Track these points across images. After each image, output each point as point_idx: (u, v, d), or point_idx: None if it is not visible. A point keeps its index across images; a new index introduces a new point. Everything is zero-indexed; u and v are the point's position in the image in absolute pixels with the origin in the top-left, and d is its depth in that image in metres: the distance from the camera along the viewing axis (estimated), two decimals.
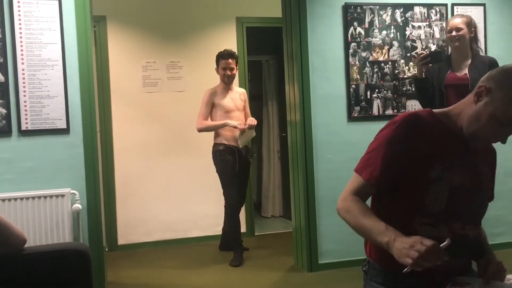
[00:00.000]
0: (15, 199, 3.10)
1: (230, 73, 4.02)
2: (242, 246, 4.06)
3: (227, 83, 4.03)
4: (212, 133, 4.10)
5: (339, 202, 1.49)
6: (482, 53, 3.43)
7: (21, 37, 3.18)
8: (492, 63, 3.28)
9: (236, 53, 4.19)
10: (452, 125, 1.49)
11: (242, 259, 3.98)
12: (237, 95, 4.11)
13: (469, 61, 3.29)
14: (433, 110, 1.54)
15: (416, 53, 3.83)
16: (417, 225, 1.44)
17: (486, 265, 1.47)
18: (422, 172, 1.43)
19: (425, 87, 3.34)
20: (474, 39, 3.34)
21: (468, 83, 3.22)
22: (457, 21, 3.29)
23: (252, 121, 4.02)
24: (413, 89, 3.73)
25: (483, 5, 3.96)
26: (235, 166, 3.99)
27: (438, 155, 1.45)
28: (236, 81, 4.29)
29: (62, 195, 3.18)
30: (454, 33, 3.28)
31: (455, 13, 3.93)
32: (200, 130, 4.02)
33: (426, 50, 3.86)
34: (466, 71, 3.27)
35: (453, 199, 1.44)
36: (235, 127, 3.91)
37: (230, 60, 4.01)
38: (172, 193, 4.76)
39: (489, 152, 1.61)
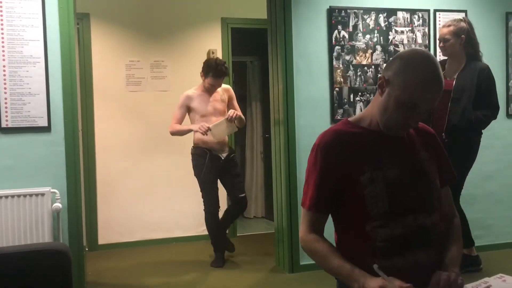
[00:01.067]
0: None
1: (215, 89, 3.93)
2: (224, 247, 4.04)
3: (209, 93, 3.93)
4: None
5: (301, 241, 1.55)
6: (482, 56, 3.40)
7: (2, 34, 3.13)
8: (482, 69, 3.29)
9: (227, 67, 3.96)
10: (369, 125, 1.54)
11: (224, 261, 3.97)
12: (218, 96, 3.95)
13: (462, 67, 3.33)
14: (348, 119, 1.60)
15: None
16: (370, 231, 1.46)
17: (438, 277, 1.38)
18: (354, 181, 1.46)
19: None
20: (468, 44, 3.30)
21: (451, 90, 3.26)
22: (444, 32, 3.32)
23: (233, 113, 3.83)
24: None
25: (465, 11, 4.03)
26: (211, 170, 3.87)
27: (364, 159, 1.48)
28: None
29: (42, 194, 3.14)
30: (441, 44, 3.32)
31: (437, 19, 4.00)
32: (171, 134, 3.92)
33: None
34: (455, 77, 3.31)
35: (393, 195, 1.46)
36: (196, 131, 3.76)
37: (221, 79, 3.87)
38: (153, 192, 4.74)
39: (425, 135, 1.61)
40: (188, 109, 3.94)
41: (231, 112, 3.85)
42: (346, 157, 1.48)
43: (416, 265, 1.43)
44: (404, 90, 1.41)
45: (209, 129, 3.73)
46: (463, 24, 3.31)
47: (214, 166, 3.89)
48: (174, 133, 3.93)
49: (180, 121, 3.93)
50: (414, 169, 1.51)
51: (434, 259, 1.48)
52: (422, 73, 1.40)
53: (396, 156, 1.50)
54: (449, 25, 3.32)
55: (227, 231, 4.12)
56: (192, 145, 3.98)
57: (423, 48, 1.35)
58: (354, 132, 1.53)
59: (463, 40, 3.29)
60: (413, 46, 3.94)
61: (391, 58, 1.54)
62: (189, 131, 3.89)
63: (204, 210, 3.98)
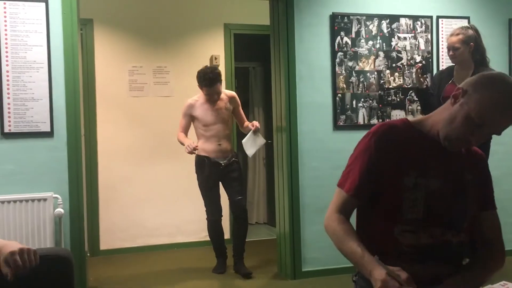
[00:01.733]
0: None
1: (216, 97, 3.84)
2: (225, 254, 4.01)
3: (212, 102, 3.85)
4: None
5: (325, 220, 1.53)
6: (489, 62, 3.40)
7: (6, 39, 3.14)
8: None
9: (217, 69, 3.88)
10: (427, 131, 1.52)
11: (225, 267, 3.95)
12: (222, 104, 3.87)
13: (470, 73, 3.33)
14: (408, 119, 1.59)
15: (402, 64, 3.89)
16: (397, 234, 1.46)
17: None
18: (397, 181, 1.46)
19: (426, 97, 3.44)
20: (476, 51, 3.31)
21: None
22: (453, 40, 3.32)
23: (253, 125, 3.80)
24: (416, 99, 3.83)
25: (468, 18, 4.03)
26: (210, 177, 3.83)
27: (413, 162, 1.47)
28: (222, 87, 4.11)
29: (45, 199, 3.14)
30: (451, 52, 3.33)
31: (440, 25, 4.00)
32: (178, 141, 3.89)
33: (411, 61, 3.92)
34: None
35: (430, 205, 1.46)
36: (186, 149, 3.66)
37: (215, 87, 3.77)
38: (155, 198, 4.73)
39: (476, 158, 1.59)
40: (192, 118, 3.91)
41: (254, 123, 3.83)
42: (397, 155, 1.48)
43: (435, 277, 1.43)
44: (478, 105, 1.39)
45: (194, 149, 3.65)
46: (471, 31, 3.32)
47: (213, 173, 3.84)
48: (179, 142, 3.90)
49: (185, 130, 3.90)
50: (457, 186, 1.51)
51: (451, 275, 1.47)
52: (501, 95, 1.38)
53: (443, 168, 1.50)
54: (457, 34, 3.32)
55: (243, 256, 3.94)
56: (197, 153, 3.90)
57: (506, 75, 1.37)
58: (411, 133, 1.52)
59: (472, 48, 3.30)
60: (415, 52, 3.95)
61: (476, 75, 1.49)
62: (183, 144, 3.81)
63: (206, 218, 3.95)
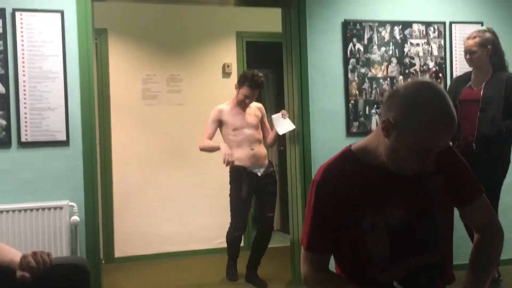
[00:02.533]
0: (13, 211, 3.09)
1: (249, 101, 3.83)
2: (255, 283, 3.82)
3: (242, 107, 3.84)
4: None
5: (306, 281, 1.47)
6: (508, 65, 3.37)
7: (23, 49, 3.20)
8: (510, 78, 3.26)
9: (264, 81, 3.89)
10: (374, 161, 1.38)
11: (236, 272, 3.91)
12: (252, 111, 3.87)
13: (489, 77, 3.31)
14: (351, 149, 1.44)
15: (415, 70, 3.88)
16: (374, 275, 1.40)
17: None
18: (354, 224, 1.37)
19: None
20: (494, 54, 3.27)
21: (479, 99, 3.25)
22: (470, 43, 3.29)
23: (285, 112, 3.77)
24: None
25: (481, 23, 4.00)
26: (245, 189, 3.72)
27: (366, 202, 1.36)
28: None
29: (60, 207, 3.17)
30: (468, 56, 3.30)
31: (453, 31, 3.98)
32: (200, 149, 3.84)
33: (424, 67, 3.90)
34: (482, 87, 3.29)
35: (395, 239, 1.37)
36: (223, 157, 3.60)
37: (256, 92, 3.80)
38: (169, 206, 4.75)
39: (439, 165, 1.38)
40: (220, 124, 3.84)
41: (283, 111, 3.78)
42: (346, 198, 1.36)
43: None
44: (416, 136, 1.26)
45: (232, 162, 3.61)
46: (488, 34, 3.28)
47: (250, 184, 3.74)
48: (203, 149, 3.81)
49: (211, 137, 3.82)
50: (421, 209, 1.39)
51: None
52: (433, 112, 1.24)
53: (402, 195, 1.38)
54: (474, 37, 3.29)
55: (257, 269, 3.90)
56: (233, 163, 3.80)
57: (424, 78, 1.21)
58: (356, 169, 1.39)
59: (490, 51, 3.26)
60: (428, 58, 3.93)
61: (388, 94, 1.36)
62: (218, 149, 3.73)
63: (229, 228, 3.85)
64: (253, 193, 3.82)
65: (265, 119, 4.02)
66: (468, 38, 3.33)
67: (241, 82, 3.81)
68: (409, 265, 1.38)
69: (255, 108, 3.94)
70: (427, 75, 3.83)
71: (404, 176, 1.36)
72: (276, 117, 3.80)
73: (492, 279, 3.29)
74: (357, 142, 1.47)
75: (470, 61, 3.32)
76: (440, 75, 3.43)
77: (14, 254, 1.64)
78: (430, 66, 3.92)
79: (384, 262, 1.39)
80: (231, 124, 3.81)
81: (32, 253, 1.57)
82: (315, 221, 1.41)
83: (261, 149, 3.86)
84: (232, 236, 3.83)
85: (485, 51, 3.25)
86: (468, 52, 3.29)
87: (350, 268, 1.47)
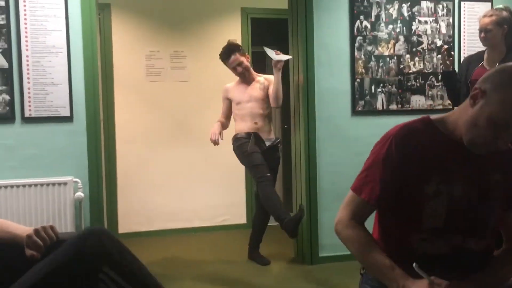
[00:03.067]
0: (18, 186, 3.10)
1: (241, 69, 3.75)
2: (257, 260, 3.79)
3: (243, 78, 3.79)
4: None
5: (338, 225, 1.46)
6: None
7: (25, 24, 3.16)
8: None
9: (232, 42, 3.85)
10: (450, 133, 1.42)
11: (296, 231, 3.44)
12: (257, 85, 3.79)
13: (502, 58, 3.24)
14: (430, 117, 1.47)
15: (422, 48, 3.83)
16: (414, 242, 1.40)
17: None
18: (418, 188, 1.38)
19: (452, 80, 3.36)
20: (510, 34, 3.19)
21: None
22: (486, 22, 3.20)
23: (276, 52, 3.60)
24: (441, 82, 3.73)
25: (491, 1, 3.93)
26: (254, 146, 3.63)
27: (435, 168, 1.38)
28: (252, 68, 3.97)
29: (65, 183, 3.18)
30: (483, 34, 3.23)
31: (462, 9, 3.91)
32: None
33: (432, 45, 3.85)
34: (496, 66, 3.23)
35: (452, 213, 1.38)
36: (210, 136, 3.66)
37: (232, 58, 3.72)
38: (173, 182, 4.77)
39: (506, 156, 1.45)
40: (230, 102, 3.86)
41: (276, 51, 3.62)
42: (418, 161, 1.38)
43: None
44: (500, 107, 1.29)
45: (216, 143, 3.64)
46: (505, 13, 3.18)
47: (258, 145, 3.68)
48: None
49: (225, 115, 3.87)
50: (481, 191, 1.41)
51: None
52: None
53: (468, 173, 1.41)
54: (491, 15, 3.20)
55: (259, 246, 3.88)
56: (233, 136, 3.79)
57: None
58: (432, 136, 1.41)
59: (506, 30, 3.18)
60: (436, 36, 3.87)
61: (492, 71, 1.39)
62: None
63: (257, 180, 3.57)
64: (260, 151, 3.66)
65: (271, 87, 3.78)
66: (484, 16, 3.24)
67: (223, 62, 3.80)
68: (455, 244, 1.38)
69: (264, 80, 3.83)
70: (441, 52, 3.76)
71: (474, 155, 1.39)
72: (269, 50, 3.64)
73: None
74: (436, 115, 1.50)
75: (484, 40, 3.24)
76: (452, 53, 3.35)
77: (17, 229, 1.64)
78: (438, 45, 3.87)
79: (433, 233, 1.39)
80: (234, 99, 3.82)
81: (35, 232, 1.57)
82: (378, 169, 1.40)
83: (266, 125, 3.79)
84: (265, 177, 3.52)
85: (501, 30, 3.17)
86: (483, 30, 3.21)
87: (393, 230, 1.46)
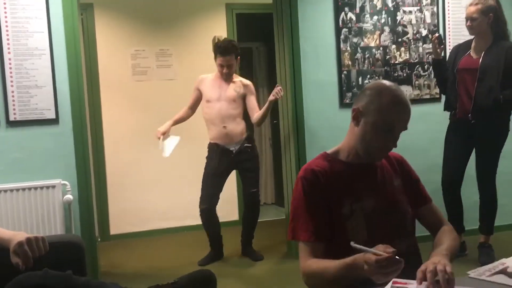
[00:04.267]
0: (5, 190, 3.06)
1: (227, 71, 3.65)
2: (221, 245, 3.84)
3: (224, 79, 3.71)
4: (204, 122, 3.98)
5: (303, 276, 1.54)
6: (510, 35, 3.32)
7: (7, 26, 3.11)
8: (510, 48, 3.20)
9: (235, 43, 3.79)
10: (347, 157, 1.62)
11: (211, 260, 3.74)
12: (234, 86, 3.71)
13: (489, 46, 3.25)
14: (327, 152, 1.66)
15: (407, 38, 3.83)
16: None
17: (425, 267, 1.35)
18: (336, 214, 1.54)
19: (442, 68, 3.37)
20: (496, 22, 3.21)
21: (477, 68, 3.20)
22: (472, 10, 3.21)
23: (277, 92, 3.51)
24: (431, 71, 3.75)
25: None
26: (217, 165, 3.70)
27: (344, 191, 1.56)
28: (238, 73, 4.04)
29: (53, 186, 3.14)
30: (469, 22, 3.24)
31: None
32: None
33: (417, 35, 3.86)
34: (481, 55, 3.24)
35: (371, 225, 1.54)
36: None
37: (227, 57, 3.62)
38: (164, 182, 4.74)
39: (396, 163, 1.69)
40: (200, 93, 3.79)
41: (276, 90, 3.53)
42: (328, 188, 1.55)
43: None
44: (379, 115, 1.53)
45: (160, 137, 3.71)
46: (491, 1, 3.20)
47: (222, 161, 3.70)
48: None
49: (191, 105, 3.85)
50: (389, 199, 1.61)
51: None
52: (392, 97, 1.54)
53: (373, 187, 1.60)
54: (476, 3, 3.21)
55: (252, 242, 3.90)
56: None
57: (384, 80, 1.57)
58: (333, 166, 1.60)
59: (491, 19, 3.20)
60: (421, 26, 3.88)
61: (359, 92, 1.66)
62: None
63: (199, 206, 3.78)
64: (226, 169, 3.76)
65: (252, 97, 3.78)
66: (470, 5, 3.25)
67: (214, 53, 3.73)
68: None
69: (240, 84, 3.75)
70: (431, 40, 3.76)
71: (373, 170, 1.62)
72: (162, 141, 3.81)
73: (459, 251, 3.38)
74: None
75: (470, 28, 3.26)
76: (443, 46, 3.37)
77: (3, 233, 1.62)
78: (423, 34, 3.88)
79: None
80: (205, 95, 3.73)
81: (27, 241, 1.54)
82: (310, 209, 1.55)
83: (236, 126, 3.71)
84: (201, 211, 3.76)
85: (486, 18, 3.19)
86: (469, 18, 3.22)
87: (333, 254, 1.52)
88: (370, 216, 1.55)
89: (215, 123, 3.72)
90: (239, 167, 3.84)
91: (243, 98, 3.76)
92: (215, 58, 3.71)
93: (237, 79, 3.80)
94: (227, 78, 3.71)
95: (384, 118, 1.53)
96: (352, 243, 1.34)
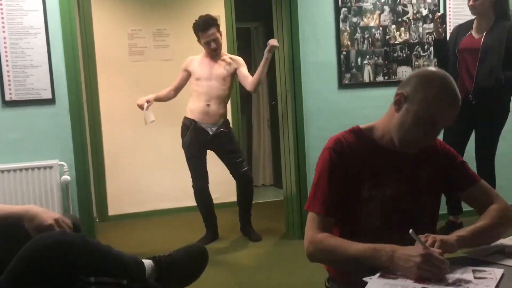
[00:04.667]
0: (2, 171, 3.06)
1: (215, 46, 3.58)
2: (216, 224, 3.85)
3: (213, 55, 3.64)
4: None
5: (311, 242, 1.46)
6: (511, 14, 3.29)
7: (1, 4, 3.07)
8: None
9: (212, 16, 3.67)
10: (379, 139, 1.54)
11: (213, 238, 3.80)
12: (222, 63, 3.65)
13: (490, 25, 3.22)
14: (360, 127, 1.57)
15: (407, 18, 3.79)
16: None
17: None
18: (354, 194, 1.48)
19: (444, 48, 3.35)
20: (498, 2, 3.19)
21: (479, 48, 3.18)
22: None
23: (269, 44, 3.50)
24: (432, 50, 3.74)
25: None
26: (195, 143, 3.63)
27: (366, 173, 1.49)
28: (224, 49, 4.03)
29: (50, 167, 3.14)
30: (471, 2, 3.20)
31: None
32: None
33: (417, 14, 3.81)
34: (483, 35, 3.21)
35: (386, 213, 1.48)
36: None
37: (210, 31, 3.55)
38: (162, 162, 4.73)
39: (431, 156, 1.57)
40: (189, 74, 3.73)
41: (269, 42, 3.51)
42: (352, 167, 1.49)
43: None
44: (424, 104, 1.42)
45: (142, 106, 3.69)
46: None
47: (199, 140, 3.63)
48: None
49: (176, 87, 3.79)
50: (411, 190, 1.53)
51: None
52: (442, 89, 1.42)
53: (398, 175, 1.52)
54: None
55: (251, 221, 3.90)
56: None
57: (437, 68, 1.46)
58: (363, 143, 1.53)
59: None
60: (421, 5, 3.83)
61: (407, 76, 1.53)
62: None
63: (192, 186, 3.77)
64: (202, 149, 3.69)
65: (243, 68, 3.69)
66: None
67: (195, 34, 3.65)
68: (393, 241, 1.38)
69: (229, 60, 3.69)
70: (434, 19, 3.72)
71: (403, 157, 1.52)
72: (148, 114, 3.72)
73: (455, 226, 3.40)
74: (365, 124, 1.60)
75: (472, 8, 3.23)
76: (444, 25, 3.34)
77: (11, 207, 1.68)
78: (424, 14, 3.83)
79: (372, 234, 1.47)
80: (195, 73, 3.66)
81: (56, 223, 1.62)
82: (324, 182, 1.49)
83: (219, 108, 3.64)
84: (196, 190, 3.76)
85: None
86: None
87: (337, 232, 1.52)
88: (388, 204, 1.49)
89: (200, 99, 3.64)
90: (220, 151, 3.73)
91: (233, 75, 3.70)
92: (199, 39, 3.64)
93: (226, 56, 3.74)
94: (216, 54, 3.64)
95: (428, 109, 1.41)
96: (411, 231, 1.29)
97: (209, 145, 3.70)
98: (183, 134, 3.72)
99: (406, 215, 1.50)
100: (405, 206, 1.51)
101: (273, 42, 3.53)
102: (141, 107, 3.74)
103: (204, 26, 3.55)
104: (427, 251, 1.24)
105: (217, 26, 3.63)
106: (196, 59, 3.74)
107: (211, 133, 3.64)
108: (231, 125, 3.90)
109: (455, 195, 1.65)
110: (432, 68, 1.54)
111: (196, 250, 1.90)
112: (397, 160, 1.52)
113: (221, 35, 3.69)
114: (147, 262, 1.70)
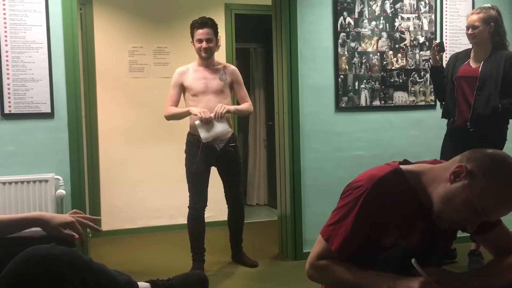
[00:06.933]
0: None
1: (206, 45, 3.36)
2: (203, 257, 3.56)
3: (204, 57, 3.40)
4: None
5: (312, 266, 1.48)
6: (508, 45, 3.35)
7: (5, 18, 3.10)
8: (509, 57, 3.23)
9: (215, 21, 3.48)
10: (419, 190, 1.41)
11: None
12: (217, 73, 3.45)
13: (488, 55, 3.29)
14: (402, 169, 1.44)
15: (405, 45, 3.85)
16: None
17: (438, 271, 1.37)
18: (375, 241, 1.42)
19: (440, 75, 3.41)
20: (496, 32, 3.25)
21: (477, 77, 3.24)
22: (474, 18, 3.24)
23: (220, 107, 3.29)
24: (429, 77, 3.80)
25: None
26: (201, 161, 3.43)
27: (397, 223, 1.41)
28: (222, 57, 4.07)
29: (46, 180, 3.14)
30: (470, 31, 3.27)
31: (444, 5, 3.95)
32: (166, 118, 3.51)
33: (415, 41, 3.88)
34: (481, 64, 3.28)
35: (402, 260, 1.41)
36: (200, 116, 3.27)
37: (206, 30, 3.37)
38: (156, 179, 4.73)
39: None
40: (183, 89, 3.47)
41: (218, 107, 3.32)
42: (385, 215, 1.39)
43: None
44: (483, 195, 1.28)
45: (210, 119, 3.28)
46: (492, 11, 3.24)
47: (206, 157, 3.44)
48: (169, 118, 3.50)
49: (176, 103, 3.48)
50: (432, 242, 1.48)
51: None
52: (508, 185, 1.28)
53: (424, 230, 1.44)
54: (478, 12, 3.25)
55: (242, 248, 3.76)
56: (188, 131, 3.56)
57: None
58: (401, 189, 1.41)
59: (492, 28, 3.23)
60: (419, 33, 3.90)
61: (482, 154, 1.34)
62: (187, 114, 3.41)
63: (188, 206, 3.54)
64: (208, 166, 3.50)
65: (240, 85, 3.55)
66: (472, 13, 3.30)
67: (191, 33, 3.46)
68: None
69: (225, 69, 3.49)
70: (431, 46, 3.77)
71: (433, 216, 1.40)
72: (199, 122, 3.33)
73: (449, 258, 3.40)
74: (407, 164, 1.49)
75: (471, 37, 3.29)
76: (442, 54, 3.40)
77: (17, 215, 1.76)
78: (421, 41, 3.90)
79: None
80: (191, 89, 3.41)
81: (77, 221, 1.75)
82: (349, 223, 1.40)
83: (223, 122, 3.40)
84: (191, 210, 3.51)
85: (487, 27, 3.22)
86: (471, 27, 3.26)
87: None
88: (407, 253, 1.41)
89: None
90: (222, 168, 3.57)
91: (231, 86, 3.53)
92: (193, 36, 3.44)
93: (220, 65, 3.52)
94: (207, 56, 3.41)
95: (485, 201, 1.28)
96: (413, 261, 1.28)
97: (215, 161, 3.51)
98: (189, 152, 3.51)
99: (420, 258, 1.41)
100: (421, 252, 1.45)
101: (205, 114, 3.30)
102: (210, 119, 3.33)
103: (201, 24, 3.40)
104: (426, 280, 1.25)
105: (215, 29, 3.45)
106: (188, 71, 3.48)
107: (218, 149, 3.47)
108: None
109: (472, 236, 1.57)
110: (505, 154, 1.36)
111: (196, 277, 1.86)
112: (428, 216, 1.42)
113: (217, 42, 3.51)
114: (145, 285, 1.69)
